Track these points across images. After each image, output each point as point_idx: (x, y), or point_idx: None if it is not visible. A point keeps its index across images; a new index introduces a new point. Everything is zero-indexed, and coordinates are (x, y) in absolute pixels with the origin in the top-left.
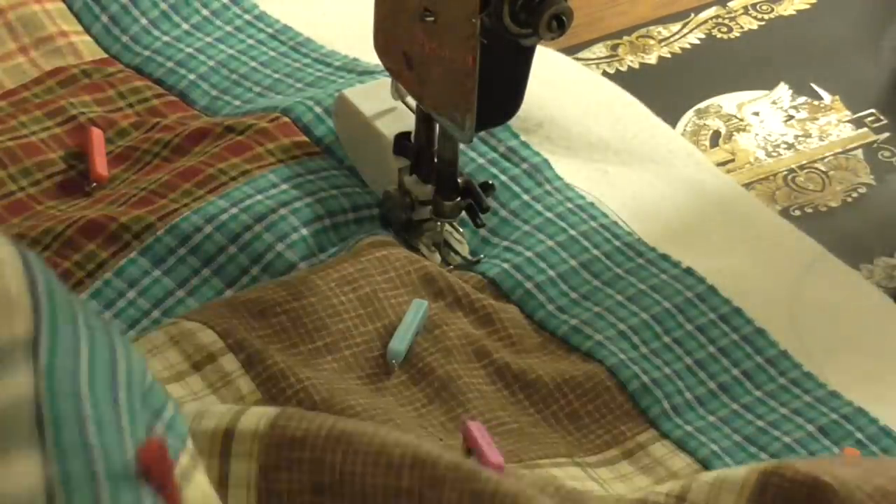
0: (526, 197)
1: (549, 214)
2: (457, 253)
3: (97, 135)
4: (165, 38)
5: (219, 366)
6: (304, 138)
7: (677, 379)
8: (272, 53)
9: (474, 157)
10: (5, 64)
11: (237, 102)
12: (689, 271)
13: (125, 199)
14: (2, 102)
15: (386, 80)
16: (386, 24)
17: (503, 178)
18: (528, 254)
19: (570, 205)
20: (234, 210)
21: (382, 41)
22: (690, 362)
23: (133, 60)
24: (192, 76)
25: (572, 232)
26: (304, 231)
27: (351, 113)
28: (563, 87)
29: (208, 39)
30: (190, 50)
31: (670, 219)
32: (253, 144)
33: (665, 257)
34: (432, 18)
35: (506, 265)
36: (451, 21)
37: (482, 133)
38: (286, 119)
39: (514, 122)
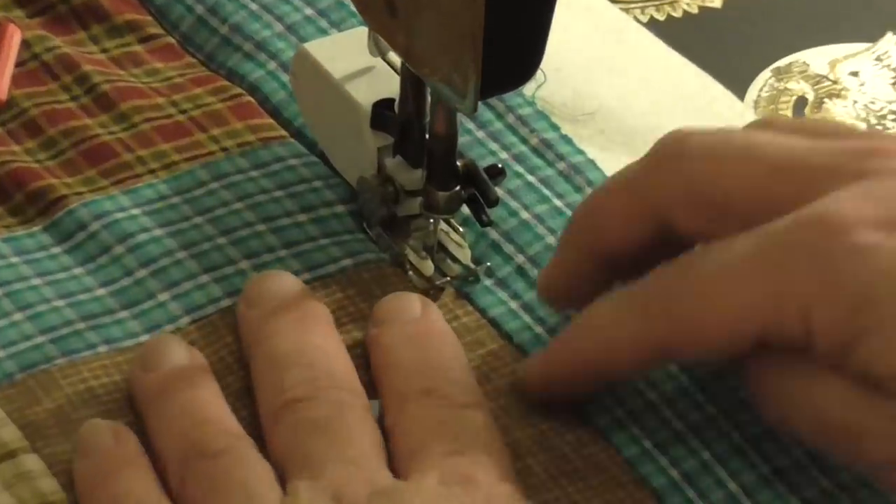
0: (558, 202)
1: None
2: (455, 260)
3: (10, 36)
4: None
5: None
6: (266, 120)
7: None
8: None
9: (496, 150)
10: None
11: (216, 40)
12: None
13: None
14: None
15: (361, 31)
16: None
17: (531, 178)
18: None
19: None
20: (136, 211)
21: None
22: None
23: None
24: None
25: None
26: (222, 240)
27: (313, 74)
28: (635, 73)
29: None
30: None
31: None
32: (193, 129)
33: None
34: None
35: (513, 304)
36: None
37: (509, 120)
38: (249, 99)
39: (557, 110)
